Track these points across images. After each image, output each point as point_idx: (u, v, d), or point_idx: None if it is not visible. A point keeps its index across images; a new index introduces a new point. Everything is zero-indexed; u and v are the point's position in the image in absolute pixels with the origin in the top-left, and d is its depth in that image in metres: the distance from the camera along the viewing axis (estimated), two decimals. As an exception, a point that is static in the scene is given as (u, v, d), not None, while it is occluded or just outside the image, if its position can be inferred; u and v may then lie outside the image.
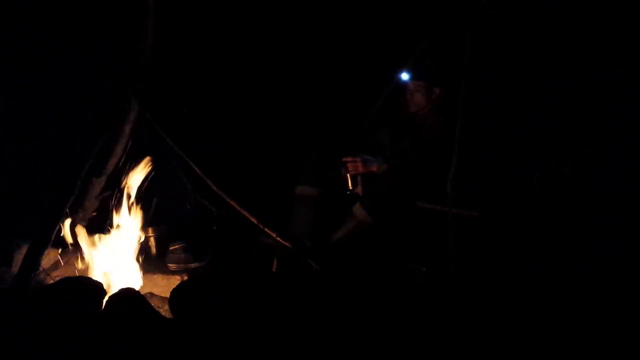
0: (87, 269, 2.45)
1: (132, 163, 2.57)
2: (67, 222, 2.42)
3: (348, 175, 2.84)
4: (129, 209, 2.53)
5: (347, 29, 3.58)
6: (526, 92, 3.04)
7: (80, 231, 2.45)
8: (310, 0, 3.52)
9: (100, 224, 2.73)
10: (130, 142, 2.65)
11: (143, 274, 2.54)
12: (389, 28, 3.48)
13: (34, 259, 2.23)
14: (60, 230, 2.36)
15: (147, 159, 2.57)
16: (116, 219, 2.52)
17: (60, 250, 2.53)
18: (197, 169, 2.43)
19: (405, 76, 3.02)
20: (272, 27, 3.57)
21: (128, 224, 2.53)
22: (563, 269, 2.51)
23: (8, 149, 2.96)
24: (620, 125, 2.91)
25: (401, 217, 2.71)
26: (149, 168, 2.57)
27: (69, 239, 2.43)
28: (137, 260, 2.53)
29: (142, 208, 2.60)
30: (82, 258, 2.46)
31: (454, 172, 2.50)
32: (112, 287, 2.32)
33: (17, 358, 1.81)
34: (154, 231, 2.86)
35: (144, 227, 2.66)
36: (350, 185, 2.85)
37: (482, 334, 2.05)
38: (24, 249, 2.34)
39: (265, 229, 2.39)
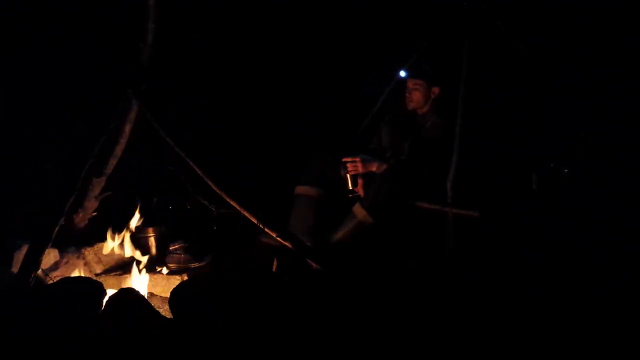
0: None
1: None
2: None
3: (348, 175, 2.85)
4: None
5: (348, 30, 3.58)
6: (525, 92, 3.04)
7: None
8: (313, 2, 3.52)
9: (99, 225, 2.75)
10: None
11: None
12: (391, 29, 3.49)
13: (34, 259, 2.23)
14: (60, 230, 2.36)
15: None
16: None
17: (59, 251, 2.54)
18: (197, 169, 2.43)
19: (404, 74, 3.03)
20: (273, 27, 3.57)
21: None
22: (563, 268, 2.51)
23: (8, 149, 2.96)
24: (619, 125, 2.91)
25: (401, 217, 2.71)
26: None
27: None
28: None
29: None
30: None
31: (454, 172, 2.50)
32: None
33: (17, 358, 1.81)
34: (154, 231, 2.85)
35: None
36: (350, 185, 2.86)
37: (482, 333, 2.05)
38: (24, 249, 2.33)
39: (265, 229, 2.39)
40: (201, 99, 3.46)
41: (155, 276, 2.61)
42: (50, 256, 2.48)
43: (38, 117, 3.08)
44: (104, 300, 2.06)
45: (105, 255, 2.68)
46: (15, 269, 2.35)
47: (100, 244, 2.67)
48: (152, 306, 2.07)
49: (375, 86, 3.32)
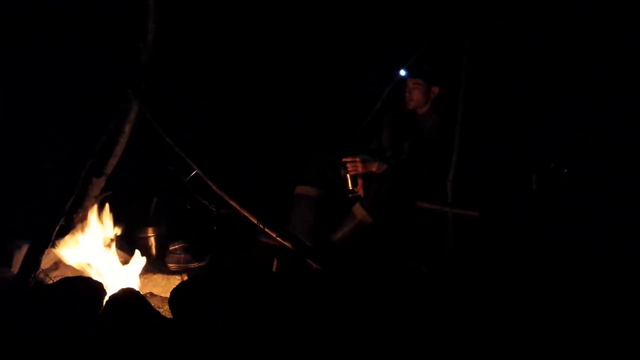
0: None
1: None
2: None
3: (348, 175, 2.85)
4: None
5: (348, 30, 3.58)
6: (525, 92, 3.04)
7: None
8: (313, 1, 3.52)
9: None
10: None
11: (143, 273, 2.53)
12: (390, 27, 3.48)
13: (34, 259, 2.23)
14: (60, 230, 2.36)
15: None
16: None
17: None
18: (197, 169, 2.43)
19: (404, 73, 3.03)
20: (273, 26, 3.57)
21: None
22: (563, 268, 2.51)
23: (8, 149, 2.96)
24: (619, 125, 2.91)
25: (401, 217, 2.71)
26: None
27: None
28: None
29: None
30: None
31: (454, 172, 2.50)
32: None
33: (17, 358, 1.81)
34: (154, 231, 2.85)
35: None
36: (350, 185, 2.86)
37: (482, 333, 2.05)
38: (24, 249, 2.33)
39: (265, 229, 2.39)
40: (201, 99, 3.46)
41: (155, 276, 2.61)
42: (50, 256, 2.48)
43: (38, 117, 3.08)
44: (104, 300, 2.06)
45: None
46: (15, 269, 2.35)
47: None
48: (152, 306, 2.07)
49: (375, 86, 3.32)
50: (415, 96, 2.91)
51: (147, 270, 2.59)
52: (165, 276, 2.63)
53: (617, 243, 2.59)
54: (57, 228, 2.33)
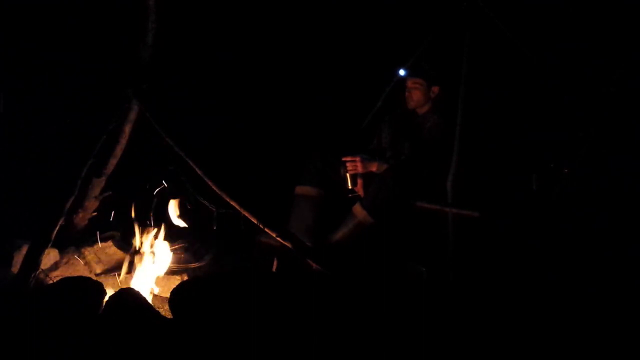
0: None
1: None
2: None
3: (348, 175, 2.85)
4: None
5: (348, 29, 3.58)
6: (526, 92, 3.04)
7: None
8: (313, 1, 3.53)
9: (99, 224, 2.75)
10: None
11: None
12: (390, 27, 3.49)
13: (34, 259, 2.23)
14: (60, 230, 2.36)
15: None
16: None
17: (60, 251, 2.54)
18: (197, 169, 2.43)
19: (403, 72, 3.03)
20: (273, 26, 3.57)
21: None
22: (563, 268, 2.51)
23: (8, 149, 2.97)
24: (619, 125, 2.91)
25: (401, 217, 2.71)
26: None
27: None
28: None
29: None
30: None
31: (454, 172, 2.50)
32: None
33: (16, 358, 1.81)
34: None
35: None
36: (350, 185, 2.86)
37: (482, 333, 2.05)
38: (24, 249, 2.34)
39: (265, 229, 2.39)
40: (201, 99, 3.46)
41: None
42: (50, 256, 2.48)
43: (38, 117, 3.08)
44: (104, 300, 2.07)
45: (106, 255, 2.68)
46: (15, 269, 2.35)
47: (100, 244, 2.68)
48: (152, 306, 2.07)
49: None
50: (415, 96, 2.92)
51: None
52: (165, 276, 2.63)
53: (617, 243, 2.60)
54: (57, 228, 2.33)
